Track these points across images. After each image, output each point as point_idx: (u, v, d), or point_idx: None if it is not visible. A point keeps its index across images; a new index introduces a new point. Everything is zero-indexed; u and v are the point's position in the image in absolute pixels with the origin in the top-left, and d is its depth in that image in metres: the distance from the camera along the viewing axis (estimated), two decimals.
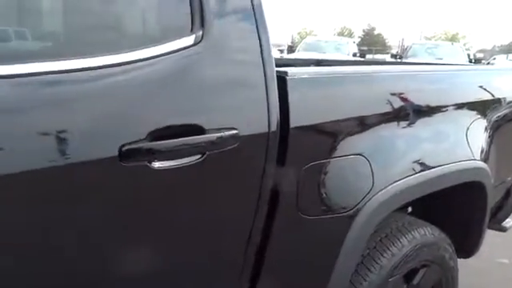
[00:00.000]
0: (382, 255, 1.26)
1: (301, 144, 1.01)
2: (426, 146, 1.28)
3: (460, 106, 1.46)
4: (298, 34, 37.65)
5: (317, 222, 1.06)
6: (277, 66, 0.98)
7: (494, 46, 41.65)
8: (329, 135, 1.06)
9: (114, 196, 0.77)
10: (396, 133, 1.19)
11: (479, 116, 1.54)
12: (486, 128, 1.56)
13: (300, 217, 1.04)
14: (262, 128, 0.93)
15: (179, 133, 0.82)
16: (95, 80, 0.75)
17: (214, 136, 0.85)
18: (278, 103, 0.96)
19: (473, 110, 1.52)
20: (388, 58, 13.98)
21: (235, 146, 0.88)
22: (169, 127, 0.81)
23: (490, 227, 1.82)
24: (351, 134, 1.09)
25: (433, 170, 1.26)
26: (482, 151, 1.49)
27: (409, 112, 1.23)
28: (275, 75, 0.97)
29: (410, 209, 1.60)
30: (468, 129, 1.46)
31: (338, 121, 1.07)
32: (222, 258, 0.97)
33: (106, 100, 0.76)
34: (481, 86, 1.62)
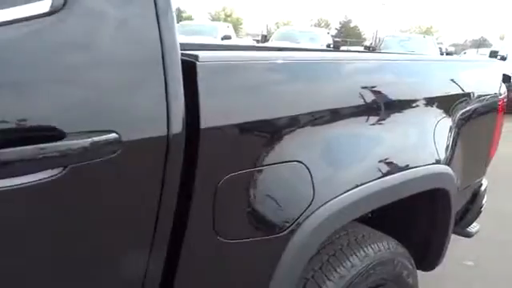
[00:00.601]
0: (328, 278, 1.06)
1: (217, 149, 0.79)
2: (380, 150, 1.07)
3: (423, 102, 1.27)
4: (276, 24, 37.38)
5: (241, 245, 0.84)
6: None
7: (466, 40, 42.64)
8: (255, 137, 0.84)
9: None
10: (344, 134, 0.98)
11: (444, 113, 1.35)
12: (451, 127, 1.38)
13: (218, 241, 0.82)
14: (157, 130, 0.70)
15: (22, 138, 0.57)
16: None
17: (79, 143, 0.61)
18: (183, 96, 0.73)
19: (437, 106, 1.33)
20: (362, 49, 13.89)
21: (115, 155, 0.65)
22: (3, 131, 0.56)
23: (454, 232, 1.67)
24: (285, 135, 0.87)
25: (389, 177, 1.06)
26: (446, 153, 1.31)
27: (360, 108, 1.02)
28: (180, 59, 0.73)
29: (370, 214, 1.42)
30: (432, 128, 1.27)
31: (267, 120, 0.84)
32: None
33: None
34: (450, 79, 1.43)
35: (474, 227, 1.85)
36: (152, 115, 0.70)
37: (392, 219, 1.33)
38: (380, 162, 1.05)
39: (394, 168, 1.07)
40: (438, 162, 1.25)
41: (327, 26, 42.30)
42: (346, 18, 44.68)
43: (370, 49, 12.06)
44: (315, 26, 38.59)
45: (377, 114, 1.05)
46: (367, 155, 1.03)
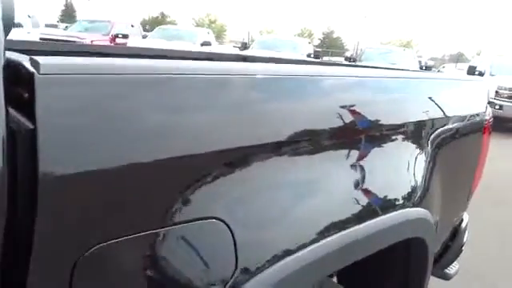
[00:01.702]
0: None
1: (74, 207, 0.50)
2: (338, 194, 0.79)
3: (398, 129, 1.01)
4: (260, 32, 37.45)
5: None
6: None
7: (444, 54, 43.60)
8: (141, 188, 0.56)
9: None
10: (283, 176, 0.70)
11: (422, 141, 1.10)
12: (430, 157, 1.12)
13: None
14: None
15: None
16: None
17: None
18: (3, 126, 0.44)
19: (415, 133, 1.07)
20: (343, 60, 13.82)
21: None
22: None
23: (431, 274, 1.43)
24: (190, 182, 0.59)
25: (350, 231, 0.79)
26: (423, 193, 1.06)
27: (307, 140, 0.74)
28: (2, 66, 0.45)
29: None
30: (407, 161, 1.01)
31: (165, 160, 0.56)
32: None
33: None
34: (432, 100, 1.18)
35: (452, 268, 1.61)
36: None
37: (356, 271, 1.07)
38: (338, 211, 0.77)
39: (355, 218, 0.80)
40: (414, 204, 0.99)
41: (310, 35, 42.51)
42: (329, 29, 44.95)
43: (350, 60, 11.95)
44: (299, 35, 38.78)
45: (334, 147, 0.77)
46: (320, 202, 0.75)
